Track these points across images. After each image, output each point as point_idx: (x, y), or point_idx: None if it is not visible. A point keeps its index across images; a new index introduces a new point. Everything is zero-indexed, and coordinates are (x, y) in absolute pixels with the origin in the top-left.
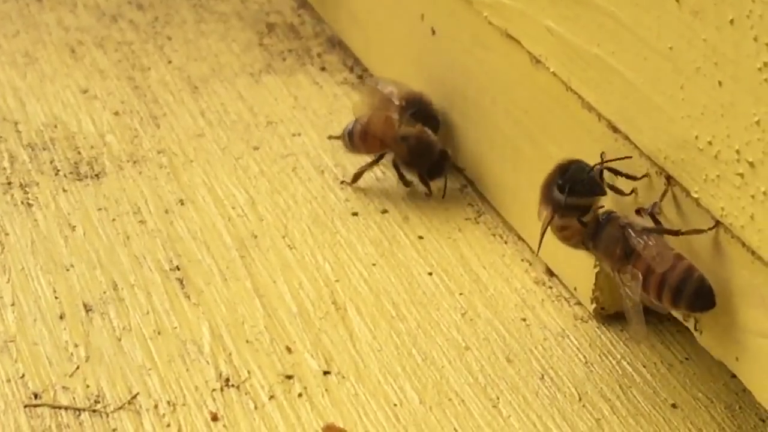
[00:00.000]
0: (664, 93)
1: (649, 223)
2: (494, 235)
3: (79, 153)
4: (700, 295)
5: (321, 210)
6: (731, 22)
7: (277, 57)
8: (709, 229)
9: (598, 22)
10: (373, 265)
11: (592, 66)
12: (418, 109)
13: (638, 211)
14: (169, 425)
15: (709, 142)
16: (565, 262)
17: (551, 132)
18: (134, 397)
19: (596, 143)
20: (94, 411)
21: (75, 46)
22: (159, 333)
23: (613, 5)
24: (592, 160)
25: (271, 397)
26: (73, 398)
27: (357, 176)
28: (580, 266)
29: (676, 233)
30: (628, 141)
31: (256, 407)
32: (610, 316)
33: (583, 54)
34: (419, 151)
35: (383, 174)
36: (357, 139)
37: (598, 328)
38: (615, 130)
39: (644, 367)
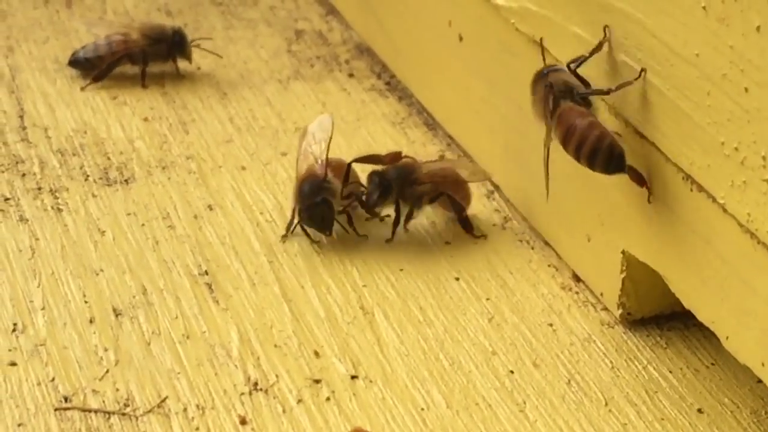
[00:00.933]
0: (690, 99)
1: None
2: (521, 241)
3: (109, 158)
4: (611, 160)
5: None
6: (758, 29)
7: (305, 63)
8: (635, 79)
9: (624, 29)
10: (401, 270)
11: (619, 73)
12: None
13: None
14: (198, 429)
15: (736, 149)
16: (592, 267)
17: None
18: (163, 400)
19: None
20: (123, 414)
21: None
22: (188, 337)
23: (640, 12)
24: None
25: (299, 401)
26: (103, 402)
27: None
28: (606, 272)
29: (607, 92)
30: (655, 147)
31: (284, 411)
32: (637, 321)
33: (609, 61)
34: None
35: None
36: None
37: (624, 333)
38: (641, 136)
39: (670, 372)
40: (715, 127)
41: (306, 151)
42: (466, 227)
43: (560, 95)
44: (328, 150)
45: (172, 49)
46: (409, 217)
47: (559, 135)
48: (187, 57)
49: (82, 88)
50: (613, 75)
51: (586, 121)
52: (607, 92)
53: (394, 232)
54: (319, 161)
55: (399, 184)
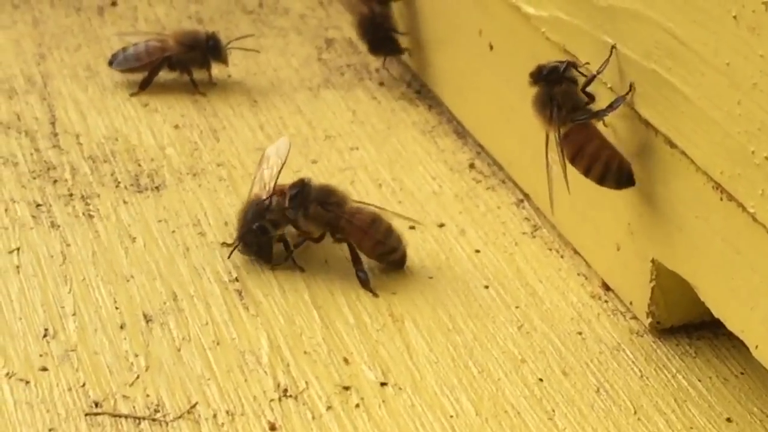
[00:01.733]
0: (720, 108)
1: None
2: (550, 250)
3: (140, 165)
4: (621, 180)
5: None
6: None
7: (335, 72)
8: (625, 95)
9: (655, 38)
10: (430, 278)
11: (650, 82)
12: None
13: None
14: None
15: (766, 158)
16: (621, 276)
17: None
18: (193, 406)
19: (652, 159)
20: (153, 420)
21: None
22: (218, 343)
23: (671, 21)
24: (647, 173)
25: (329, 408)
26: (133, 407)
27: None
28: (635, 281)
29: (601, 115)
30: (685, 156)
31: (313, 417)
32: (666, 330)
33: (640, 70)
34: None
35: (440, 188)
36: None
37: (653, 342)
38: (672, 145)
39: (699, 381)
40: (745, 136)
41: (260, 176)
42: (363, 283)
43: (566, 109)
44: (278, 176)
45: (207, 55)
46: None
47: (568, 153)
48: (224, 61)
49: (132, 94)
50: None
51: (595, 144)
52: (602, 114)
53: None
54: (267, 187)
55: (312, 199)
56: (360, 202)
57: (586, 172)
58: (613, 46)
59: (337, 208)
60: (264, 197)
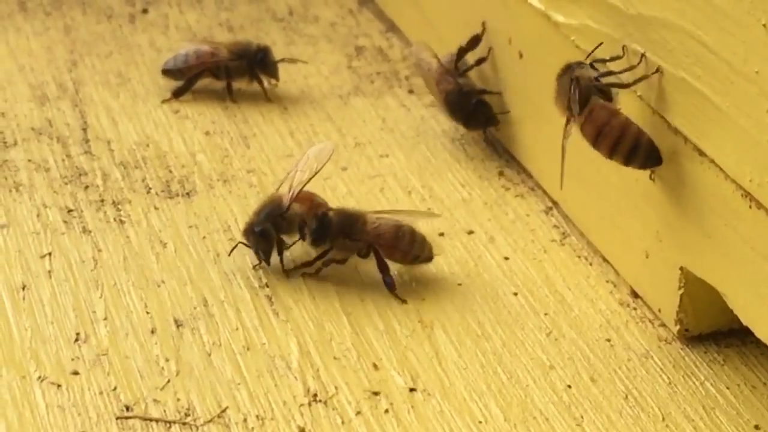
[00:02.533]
0: (750, 116)
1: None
2: (579, 257)
3: (171, 172)
4: (649, 157)
5: None
6: None
7: (365, 79)
8: (653, 73)
9: (685, 47)
10: (459, 284)
11: (679, 90)
12: None
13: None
14: None
15: None
16: (650, 284)
17: None
18: (224, 410)
19: (682, 167)
20: (184, 424)
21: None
22: (248, 348)
23: (700, 29)
24: (676, 181)
25: (358, 413)
26: (164, 411)
27: None
28: (664, 288)
29: (626, 86)
30: (714, 164)
31: (343, 422)
32: (694, 337)
33: (669, 78)
34: None
35: (469, 195)
36: None
37: (681, 349)
38: (701, 153)
39: (727, 388)
40: None
41: (292, 176)
42: (390, 287)
43: (587, 90)
44: (306, 183)
45: (254, 66)
46: (324, 264)
47: (590, 135)
48: (273, 75)
49: (164, 101)
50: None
51: (620, 120)
52: (627, 86)
53: (316, 269)
54: (292, 191)
55: (336, 233)
56: (376, 213)
57: (611, 152)
58: (643, 54)
59: (362, 234)
60: (284, 202)
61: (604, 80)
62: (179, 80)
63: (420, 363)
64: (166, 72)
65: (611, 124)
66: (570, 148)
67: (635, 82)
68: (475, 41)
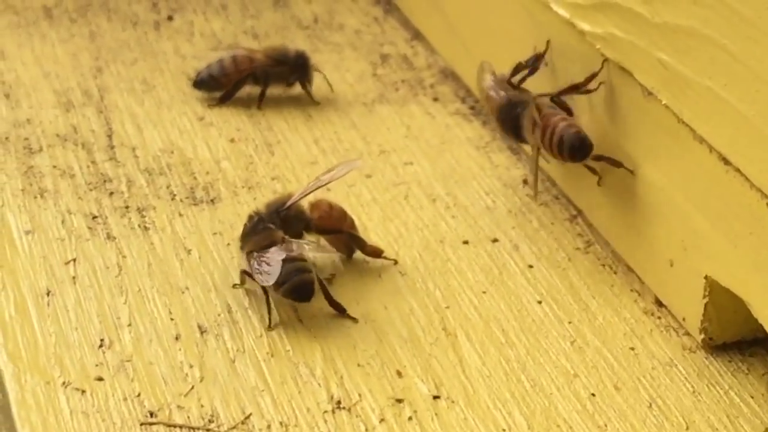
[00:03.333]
0: None
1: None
2: (603, 266)
3: (195, 178)
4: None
5: (432, 238)
6: None
7: (390, 87)
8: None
9: (710, 55)
10: (483, 292)
11: (704, 98)
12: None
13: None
14: None
15: None
16: (674, 292)
17: (661, 164)
18: (247, 417)
19: (707, 175)
20: (208, 430)
21: (192, 74)
22: (272, 355)
23: (726, 38)
24: (701, 189)
25: (382, 420)
26: (188, 417)
27: None
28: (688, 297)
29: (579, 87)
30: (739, 173)
31: (366, 430)
32: (719, 346)
33: (695, 86)
34: None
35: (494, 203)
36: None
37: (706, 358)
38: (726, 162)
39: (752, 397)
40: None
41: (314, 181)
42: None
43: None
44: (312, 190)
45: (293, 72)
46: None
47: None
48: (309, 81)
49: (210, 106)
50: None
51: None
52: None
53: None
54: (302, 193)
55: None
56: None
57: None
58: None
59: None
60: (288, 201)
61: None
62: (213, 91)
63: (444, 370)
64: (200, 84)
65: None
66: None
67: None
68: (537, 59)
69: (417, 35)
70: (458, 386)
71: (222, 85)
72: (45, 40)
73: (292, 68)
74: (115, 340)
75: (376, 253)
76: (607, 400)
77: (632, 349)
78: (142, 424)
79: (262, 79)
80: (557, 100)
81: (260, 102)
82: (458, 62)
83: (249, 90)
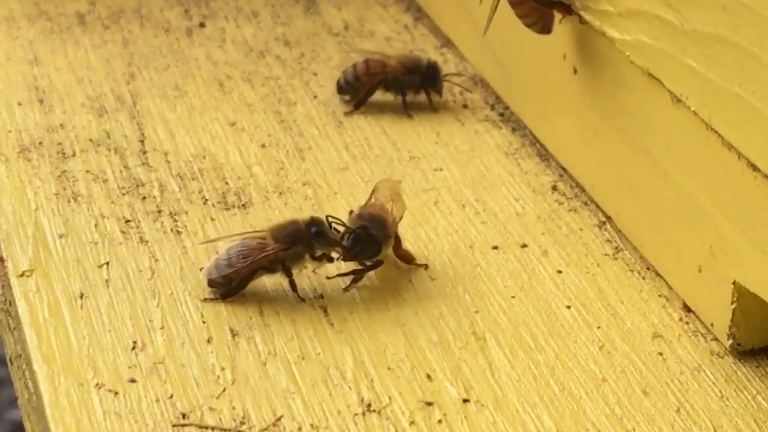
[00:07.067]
0: None
1: None
2: (632, 271)
3: (227, 183)
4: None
5: (462, 243)
6: None
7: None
8: None
9: (739, 62)
10: (513, 297)
11: (733, 105)
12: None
13: None
14: None
15: None
16: (702, 298)
17: (690, 170)
18: (278, 419)
19: (735, 182)
20: None
21: (223, 81)
22: (303, 358)
23: (755, 45)
24: (729, 195)
25: (412, 423)
26: (220, 419)
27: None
28: (717, 302)
29: None
30: (767, 179)
31: None
32: (747, 352)
33: (724, 93)
34: None
35: (523, 209)
36: None
37: (734, 363)
38: (755, 168)
39: None
40: None
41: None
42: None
43: None
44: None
45: (424, 81)
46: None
47: None
48: (438, 91)
49: (346, 114)
50: None
51: None
52: None
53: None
54: (351, 215)
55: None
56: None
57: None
58: None
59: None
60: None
61: None
62: (350, 94)
63: (473, 374)
64: (340, 89)
65: None
66: (621, 162)
67: None
68: None
69: (447, 42)
70: (487, 390)
71: (356, 89)
72: (78, 46)
73: (423, 77)
74: (147, 343)
75: (408, 259)
76: (635, 405)
77: (660, 354)
78: (174, 426)
79: (393, 87)
80: None
81: (406, 110)
82: (487, 70)
83: (279, 97)
